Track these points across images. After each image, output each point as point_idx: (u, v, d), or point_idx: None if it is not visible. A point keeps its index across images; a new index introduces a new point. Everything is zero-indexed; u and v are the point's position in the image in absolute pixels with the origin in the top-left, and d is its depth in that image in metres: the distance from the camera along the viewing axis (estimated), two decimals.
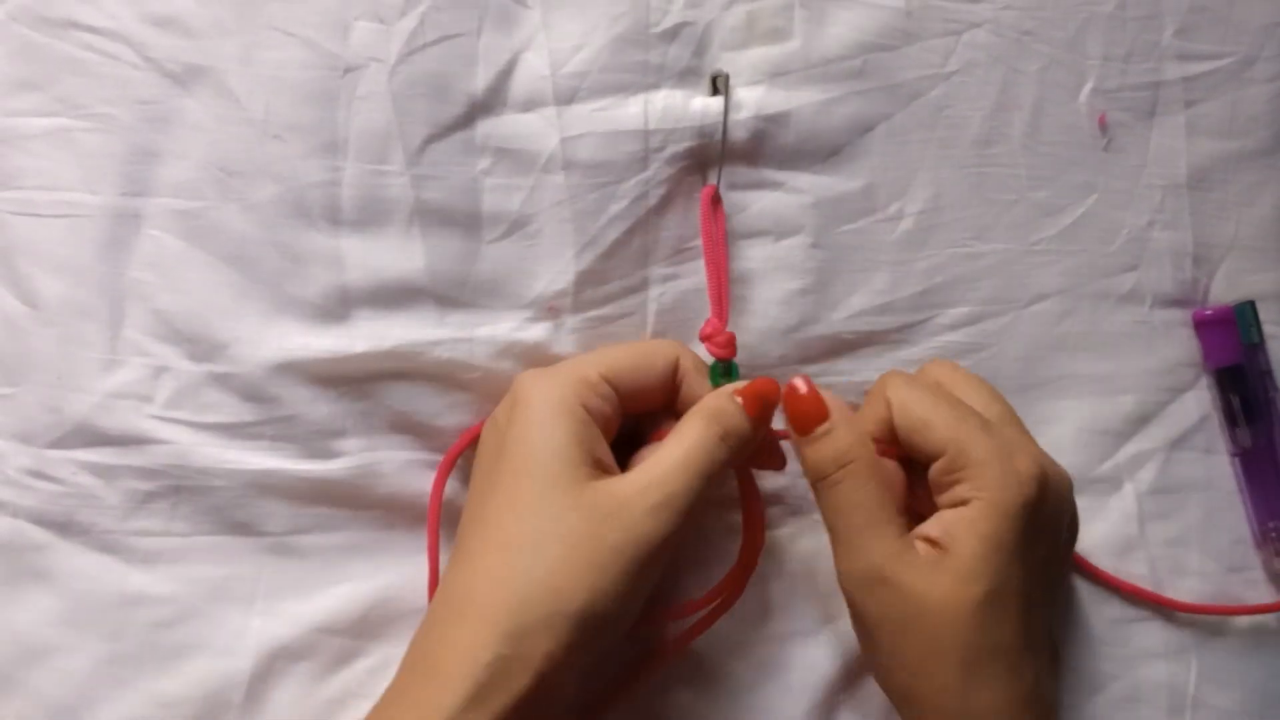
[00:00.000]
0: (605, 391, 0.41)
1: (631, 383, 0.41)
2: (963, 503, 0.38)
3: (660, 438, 0.41)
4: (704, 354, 0.44)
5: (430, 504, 0.44)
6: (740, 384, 0.41)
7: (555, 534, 0.37)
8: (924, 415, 0.39)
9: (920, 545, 0.38)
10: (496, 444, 0.40)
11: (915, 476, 0.41)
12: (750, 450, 0.41)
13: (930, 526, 0.39)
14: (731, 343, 0.43)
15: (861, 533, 0.38)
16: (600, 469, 0.39)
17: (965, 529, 0.38)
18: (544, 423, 0.39)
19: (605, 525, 0.38)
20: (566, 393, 0.40)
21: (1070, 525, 0.42)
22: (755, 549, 0.44)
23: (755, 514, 0.44)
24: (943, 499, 0.39)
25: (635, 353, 0.42)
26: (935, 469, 0.39)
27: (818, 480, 0.40)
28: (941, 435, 0.39)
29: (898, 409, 0.40)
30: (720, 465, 0.40)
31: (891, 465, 0.41)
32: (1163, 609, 0.47)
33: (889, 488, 0.40)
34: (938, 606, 0.37)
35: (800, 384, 0.41)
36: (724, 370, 0.43)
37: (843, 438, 0.39)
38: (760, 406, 0.41)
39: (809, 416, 0.40)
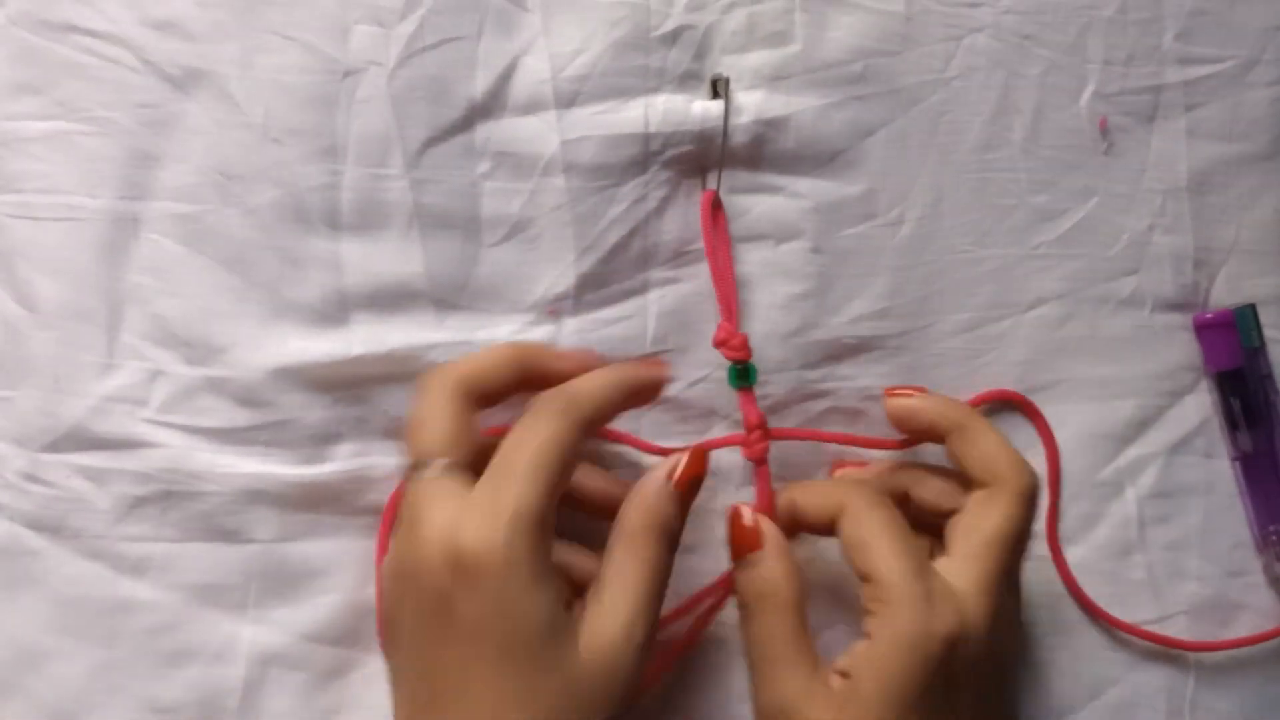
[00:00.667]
0: (550, 509, 0.37)
1: (568, 479, 0.38)
2: (871, 637, 0.38)
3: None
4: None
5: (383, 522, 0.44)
6: (674, 467, 0.39)
7: (554, 703, 0.35)
8: (863, 537, 0.39)
9: (834, 679, 0.38)
10: (452, 616, 0.35)
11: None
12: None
13: (842, 659, 0.38)
14: (745, 345, 0.43)
15: (774, 665, 0.38)
16: (570, 602, 0.37)
17: (866, 664, 0.37)
18: (530, 598, 0.35)
19: (602, 682, 0.36)
20: (536, 555, 0.35)
21: (1005, 675, 0.42)
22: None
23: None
24: (863, 624, 0.38)
25: (561, 452, 0.36)
26: (863, 592, 0.38)
27: (741, 607, 0.40)
28: (872, 563, 0.38)
29: (844, 522, 0.40)
30: (670, 567, 0.38)
31: None
32: (1160, 614, 0.47)
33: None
34: None
35: (743, 511, 0.41)
36: (742, 373, 0.43)
37: (770, 570, 0.40)
38: (689, 488, 0.39)
39: (742, 545, 0.41)
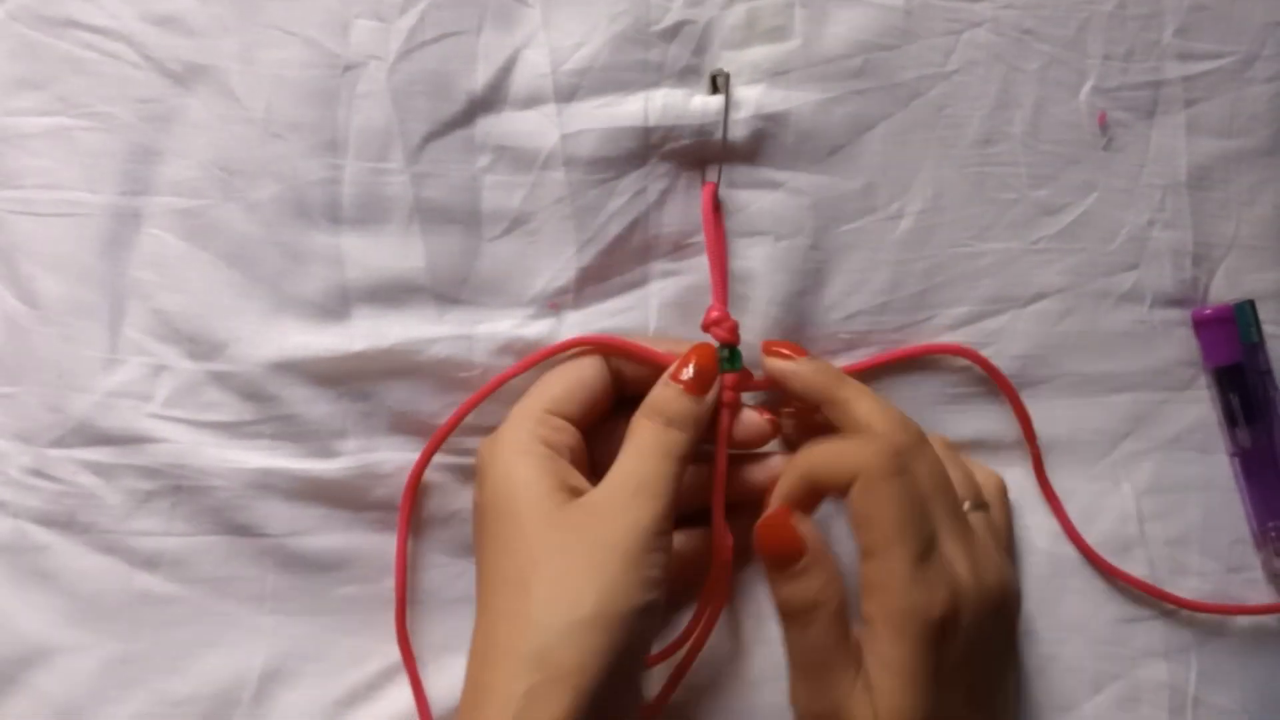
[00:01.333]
0: (556, 424, 0.41)
1: (578, 405, 0.42)
2: (869, 620, 0.38)
3: None
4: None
5: (401, 511, 0.44)
6: (673, 367, 0.41)
7: (547, 554, 0.37)
8: (870, 510, 0.38)
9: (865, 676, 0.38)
10: (479, 512, 0.41)
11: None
12: (707, 419, 0.41)
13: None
14: (735, 329, 0.43)
15: (823, 674, 0.38)
16: (576, 494, 0.39)
17: (871, 659, 0.37)
18: (509, 468, 0.39)
19: (591, 528, 0.38)
20: (521, 436, 0.40)
21: (1005, 636, 0.42)
22: (723, 587, 0.43)
23: (721, 551, 0.43)
24: (862, 603, 0.38)
25: (566, 378, 0.42)
26: (862, 570, 0.38)
27: (787, 617, 0.39)
28: (874, 538, 0.38)
29: (856, 491, 0.38)
30: (683, 445, 0.40)
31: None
32: (1164, 608, 0.47)
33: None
34: None
35: (779, 516, 0.40)
36: (728, 356, 0.43)
37: (817, 579, 0.38)
38: (697, 382, 0.41)
39: (784, 555, 0.39)
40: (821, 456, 0.40)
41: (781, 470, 0.42)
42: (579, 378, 0.42)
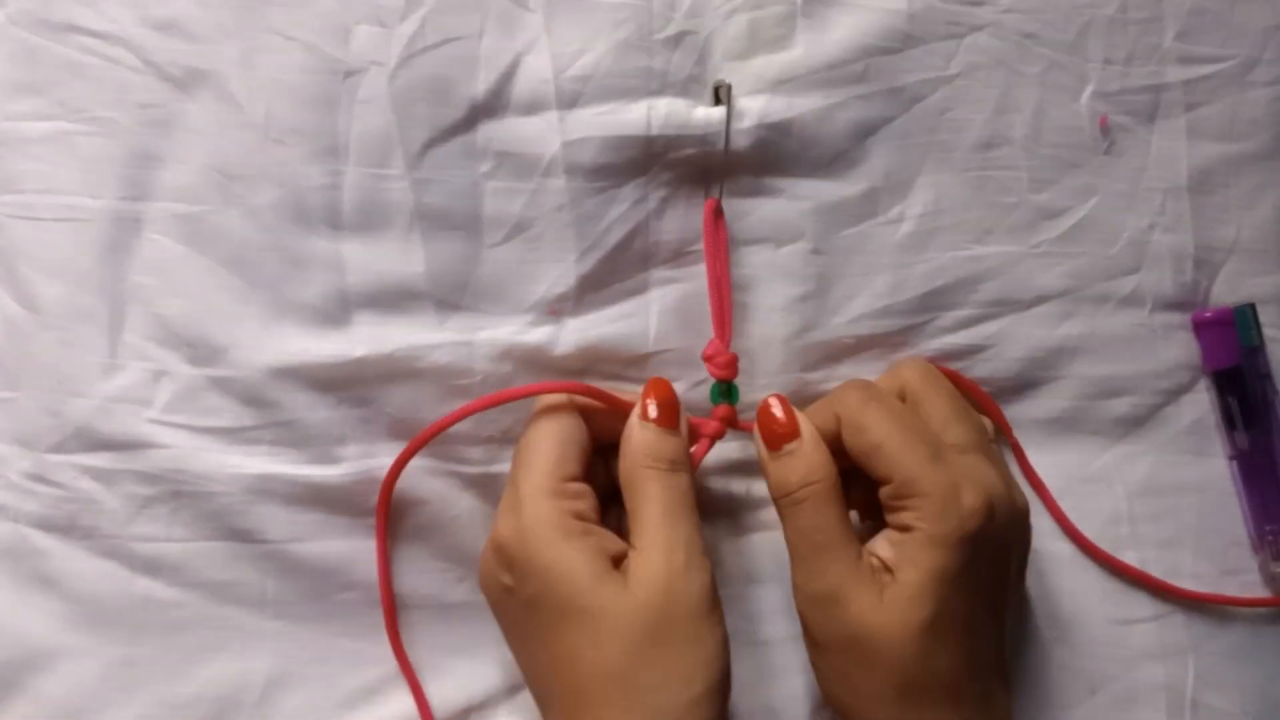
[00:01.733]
0: (574, 489, 0.40)
1: (581, 464, 0.41)
2: (907, 529, 0.39)
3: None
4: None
5: (378, 516, 0.44)
6: (639, 409, 0.41)
7: (635, 640, 0.37)
8: (874, 440, 0.40)
9: (873, 565, 0.39)
10: (525, 607, 0.39)
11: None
12: (687, 446, 0.42)
13: (880, 546, 0.39)
14: (732, 364, 0.43)
15: (821, 554, 0.39)
16: (619, 559, 0.39)
17: (908, 558, 0.38)
18: (556, 558, 0.38)
19: (666, 605, 0.38)
20: (553, 517, 0.39)
21: (1020, 551, 0.43)
22: None
23: None
24: (890, 519, 0.40)
25: (560, 439, 0.41)
26: (884, 492, 0.40)
27: (782, 497, 0.40)
28: (890, 462, 0.39)
29: (848, 428, 0.41)
30: (690, 486, 0.41)
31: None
32: (1160, 609, 0.47)
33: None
34: (880, 632, 0.38)
35: (774, 403, 0.42)
36: (724, 391, 0.43)
37: (810, 457, 0.40)
38: (668, 416, 0.41)
39: (779, 435, 0.41)
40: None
41: None
42: (570, 435, 0.41)
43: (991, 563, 0.40)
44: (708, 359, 0.43)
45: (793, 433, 0.41)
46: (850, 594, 0.38)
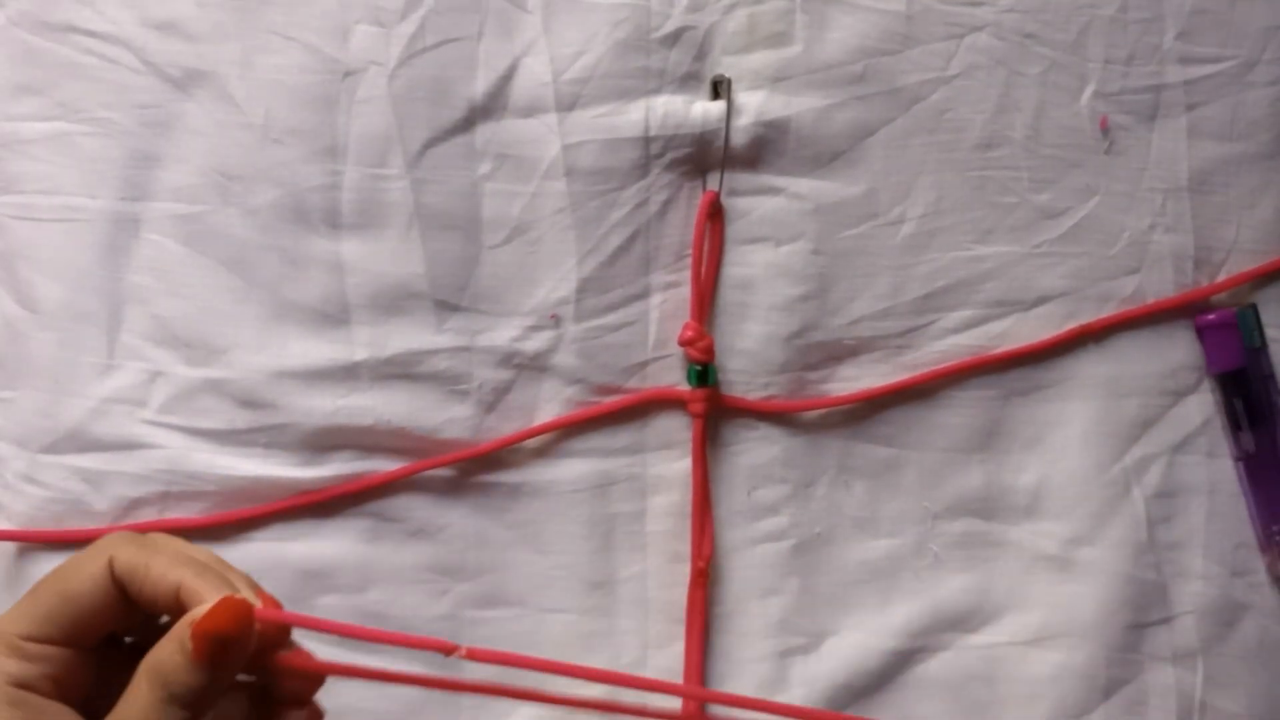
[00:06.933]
0: (37, 651, 0.31)
1: (71, 621, 0.32)
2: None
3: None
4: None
5: None
6: (195, 622, 0.30)
7: None
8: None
9: None
10: None
11: None
12: (218, 695, 0.31)
13: None
14: (709, 348, 0.44)
15: None
16: None
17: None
18: None
19: None
20: None
21: None
22: None
23: None
24: None
25: (52, 591, 0.32)
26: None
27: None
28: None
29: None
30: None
31: None
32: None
33: None
34: None
35: None
36: (700, 374, 0.43)
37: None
38: (209, 647, 0.30)
39: None
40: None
41: None
42: (67, 591, 0.32)
43: None
44: (688, 344, 0.43)
45: None
46: None
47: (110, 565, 0.32)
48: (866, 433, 0.46)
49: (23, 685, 0.31)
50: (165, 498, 0.43)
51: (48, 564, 0.43)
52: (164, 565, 0.31)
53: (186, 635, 0.30)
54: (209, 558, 0.32)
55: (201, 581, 0.31)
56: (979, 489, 0.47)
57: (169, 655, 0.30)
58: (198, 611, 0.30)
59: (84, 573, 0.32)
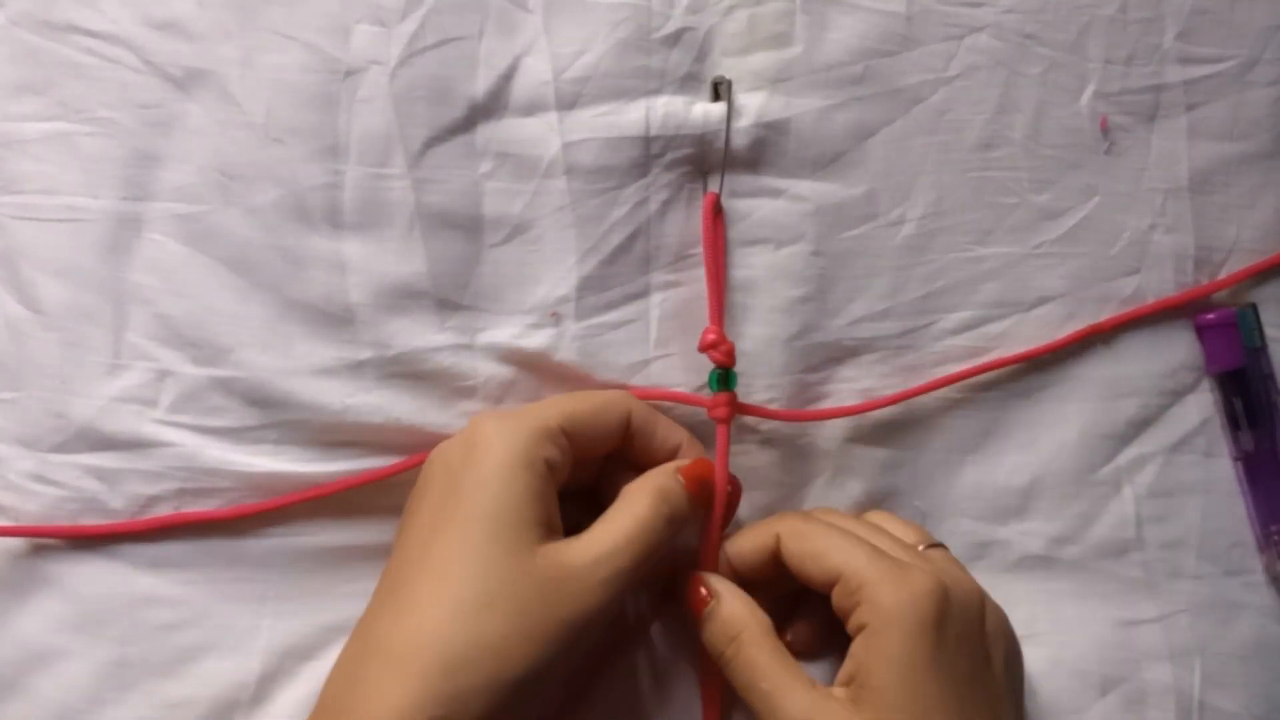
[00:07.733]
0: (563, 444, 0.40)
1: (587, 435, 0.41)
2: (863, 627, 0.38)
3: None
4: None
5: None
6: (683, 462, 0.42)
7: (505, 598, 0.36)
8: (814, 545, 0.40)
9: (837, 690, 0.38)
10: (447, 483, 0.39)
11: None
12: (682, 530, 0.41)
13: (844, 667, 0.39)
14: (731, 352, 0.43)
15: (772, 695, 0.38)
16: (551, 530, 0.39)
17: (872, 656, 0.37)
18: (504, 474, 0.38)
19: (556, 596, 0.37)
20: (530, 443, 0.39)
21: (1005, 651, 0.40)
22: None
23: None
24: (849, 626, 0.39)
25: (593, 405, 0.41)
26: (835, 596, 0.39)
27: (717, 658, 0.40)
28: (833, 561, 0.39)
29: (789, 538, 0.41)
30: (664, 543, 0.40)
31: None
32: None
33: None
34: None
35: (691, 581, 0.42)
36: (722, 378, 0.43)
37: (726, 609, 0.40)
38: (699, 489, 0.41)
39: (699, 604, 0.41)
40: (736, 544, 0.43)
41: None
42: (606, 414, 0.41)
43: (969, 657, 0.38)
44: (710, 347, 0.43)
45: (702, 601, 0.41)
46: (821, 717, 0.37)
47: (629, 416, 0.42)
48: (864, 434, 0.46)
49: (551, 465, 0.39)
50: (181, 494, 0.43)
51: (67, 563, 0.43)
52: (669, 427, 0.43)
53: (677, 474, 0.41)
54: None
55: (694, 447, 0.43)
56: (971, 489, 0.47)
57: (675, 483, 0.41)
58: (684, 460, 0.42)
59: (612, 411, 0.42)
